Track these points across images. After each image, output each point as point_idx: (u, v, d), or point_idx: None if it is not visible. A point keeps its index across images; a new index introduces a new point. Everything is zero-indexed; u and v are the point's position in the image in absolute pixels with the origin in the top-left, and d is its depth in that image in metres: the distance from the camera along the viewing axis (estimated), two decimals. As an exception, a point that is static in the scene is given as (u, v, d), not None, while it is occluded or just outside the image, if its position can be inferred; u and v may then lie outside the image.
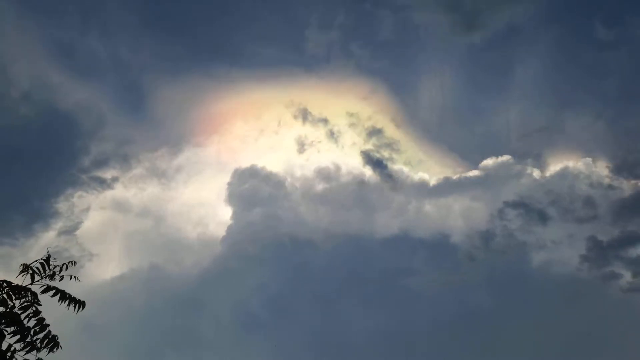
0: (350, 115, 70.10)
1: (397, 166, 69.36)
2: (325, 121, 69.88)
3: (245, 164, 70.87)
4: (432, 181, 68.62)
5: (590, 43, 73.90)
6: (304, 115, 69.71)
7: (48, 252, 6.75)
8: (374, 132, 69.63)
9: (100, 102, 67.01)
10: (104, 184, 63.97)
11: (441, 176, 68.71)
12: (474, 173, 67.96)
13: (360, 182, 68.28)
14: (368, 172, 68.24)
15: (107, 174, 64.31)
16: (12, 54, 62.32)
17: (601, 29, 72.78)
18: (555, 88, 76.25)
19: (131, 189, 66.29)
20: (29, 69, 62.67)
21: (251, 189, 67.71)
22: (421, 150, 71.30)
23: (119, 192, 65.35)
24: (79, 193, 62.84)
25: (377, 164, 67.84)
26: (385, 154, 68.62)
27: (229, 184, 68.05)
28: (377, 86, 72.28)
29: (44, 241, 58.80)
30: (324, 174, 69.96)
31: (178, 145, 71.76)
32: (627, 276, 57.75)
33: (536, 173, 66.91)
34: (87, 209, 62.96)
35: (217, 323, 56.74)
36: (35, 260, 6.75)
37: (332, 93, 70.97)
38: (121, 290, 58.09)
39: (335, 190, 69.25)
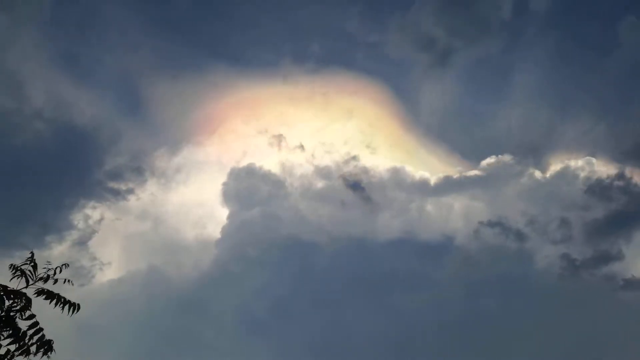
0: (323, 144, 70.74)
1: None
2: (301, 147, 70.45)
3: (242, 163, 70.64)
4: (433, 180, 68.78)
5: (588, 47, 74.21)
6: (279, 142, 70.42)
7: (31, 252, 6.66)
8: (349, 159, 69.77)
9: (101, 104, 66.91)
10: (116, 193, 63.03)
11: (441, 174, 68.87)
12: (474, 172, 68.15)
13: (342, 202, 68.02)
14: (349, 193, 68.23)
15: (122, 184, 63.48)
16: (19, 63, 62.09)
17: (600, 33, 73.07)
18: (556, 91, 76.58)
19: (140, 195, 65.57)
20: (30, 75, 62.52)
21: (247, 188, 67.35)
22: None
23: (131, 201, 64.66)
24: (92, 203, 62.17)
25: (355, 186, 67.77)
26: (363, 177, 68.55)
27: (224, 184, 67.66)
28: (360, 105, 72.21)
29: (56, 252, 58.49)
30: (324, 173, 69.87)
31: (177, 145, 71.65)
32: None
33: (537, 173, 67.19)
34: (100, 220, 62.32)
35: (217, 325, 56.55)
36: (25, 262, 6.66)
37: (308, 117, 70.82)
38: (121, 292, 57.99)
39: (337, 189, 69.09)
